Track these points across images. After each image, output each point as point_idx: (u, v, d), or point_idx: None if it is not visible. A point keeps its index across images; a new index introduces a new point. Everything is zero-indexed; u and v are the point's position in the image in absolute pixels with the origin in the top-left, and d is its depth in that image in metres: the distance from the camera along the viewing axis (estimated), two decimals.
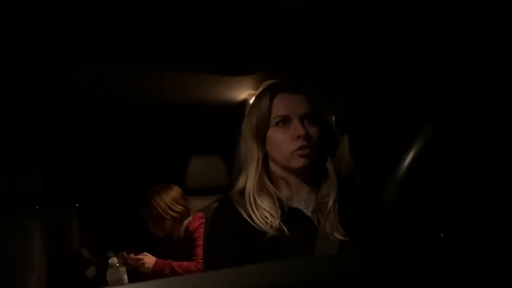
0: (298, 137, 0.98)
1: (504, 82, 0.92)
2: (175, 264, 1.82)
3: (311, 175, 1.06)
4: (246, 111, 1.11)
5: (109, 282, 1.72)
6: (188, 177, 2.29)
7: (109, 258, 1.78)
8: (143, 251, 1.91)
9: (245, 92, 2.07)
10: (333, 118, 1.57)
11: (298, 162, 1.00)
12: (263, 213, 0.97)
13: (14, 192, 1.95)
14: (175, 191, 2.00)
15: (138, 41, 1.45)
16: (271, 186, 1.02)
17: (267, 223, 0.95)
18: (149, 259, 1.84)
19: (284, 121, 1.02)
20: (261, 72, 1.72)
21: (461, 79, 1.08)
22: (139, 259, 1.83)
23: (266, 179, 1.03)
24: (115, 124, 2.67)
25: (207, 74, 1.81)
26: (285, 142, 1.00)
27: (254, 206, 0.98)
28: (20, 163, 2.06)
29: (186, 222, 1.98)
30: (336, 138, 1.57)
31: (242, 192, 1.04)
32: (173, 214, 1.93)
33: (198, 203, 2.12)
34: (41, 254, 1.54)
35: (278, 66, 1.59)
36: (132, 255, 1.86)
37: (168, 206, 1.93)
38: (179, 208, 1.95)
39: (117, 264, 1.75)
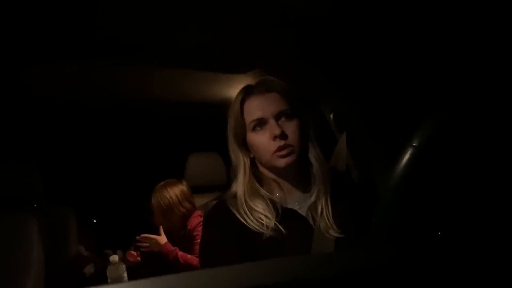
0: (275, 137, 0.97)
1: (503, 82, 0.92)
2: (180, 253, 1.85)
3: (301, 173, 1.04)
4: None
5: (109, 279, 1.72)
6: (187, 175, 2.28)
7: (107, 255, 1.78)
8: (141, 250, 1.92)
9: None
10: (331, 115, 1.57)
11: (280, 162, 0.98)
12: (258, 216, 0.96)
13: (12, 189, 1.95)
14: (185, 187, 2.05)
15: (137, 40, 1.45)
16: (263, 190, 1.01)
17: (262, 224, 0.95)
18: (161, 238, 1.89)
19: (261, 123, 1.00)
20: (260, 70, 1.71)
21: (460, 77, 1.08)
22: (151, 238, 1.88)
23: (256, 184, 1.02)
24: (113, 122, 2.67)
25: (206, 71, 1.81)
26: (264, 144, 0.99)
27: (247, 211, 0.97)
28: (18, 161, 2.06)
29: None
30: (327, 131, 1.57)
31: (236, 195, 1.02)
32: (182, 209, 1.97)
33: (196, 201, 2.12)
34: (38, 252, 1.54)
35: (277, 64, 1.58)
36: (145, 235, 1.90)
37: (179, 200, 1.97)
38: (187, 205, 1.99)
39: (117, 262, 1.75)
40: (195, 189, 2.26)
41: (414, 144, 0.56)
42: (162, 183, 2.03)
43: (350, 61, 1.39)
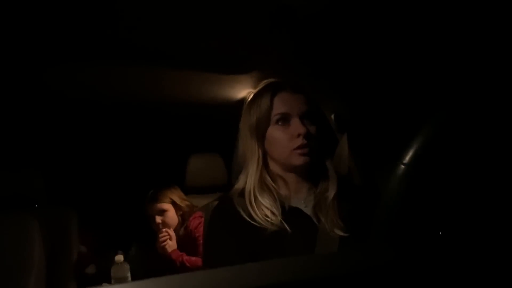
0: (299, 135, 0.99)
1: (504, 82, 0.93)
2: (185, 258, 1.89)
3: (310, 174, 1.06)
4: (244, 109, 1.10)
5: (113, 280, 1.72)
6: (187, 176, 2.29)
7: (109, 255, 1.78)
8: (143, 250, 1.92)
9: (244, 91, 2.07)
10: (332, 116, 1.57)
11: (298, 160, 1.00)
12: (264, 212, 0.97)
13: (14, 190, 1.95)
14: (178, 190, 2.09)
15: (138, 41, 1.45)
16: (272, 183, 1.02)
17: (267, 221, 0.95)
18: (173, 243, 1.93)
19: (284, 119, 1.01)
20: (261, 71, 1.72)
21: (461, 78, 1.08)
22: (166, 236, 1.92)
23: (267, 176, 1.03)
24: (115, 123, 2.67)
25: (207, 72, 1.81)
26: (285, 140, 1.00)
27: (254, 205, 0.98)
28: (20, 161, 2.06)
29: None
30: (335, 137, 1.57)
31: (242, 192, 1.03)
32: (178, 218, 2.03)
33: (197, 202, 2.13)
34: (40, 252, 1.55)
35: (277, 64, 1.58)
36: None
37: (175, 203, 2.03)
38: (184, 210, 2.04)
39: (121, 262, 1.75)
40: (196, 190, 2.27)
41: (416, 144, 0.56)
42: (157, 189, 2.06)
43: (351, 61, 1.39)
